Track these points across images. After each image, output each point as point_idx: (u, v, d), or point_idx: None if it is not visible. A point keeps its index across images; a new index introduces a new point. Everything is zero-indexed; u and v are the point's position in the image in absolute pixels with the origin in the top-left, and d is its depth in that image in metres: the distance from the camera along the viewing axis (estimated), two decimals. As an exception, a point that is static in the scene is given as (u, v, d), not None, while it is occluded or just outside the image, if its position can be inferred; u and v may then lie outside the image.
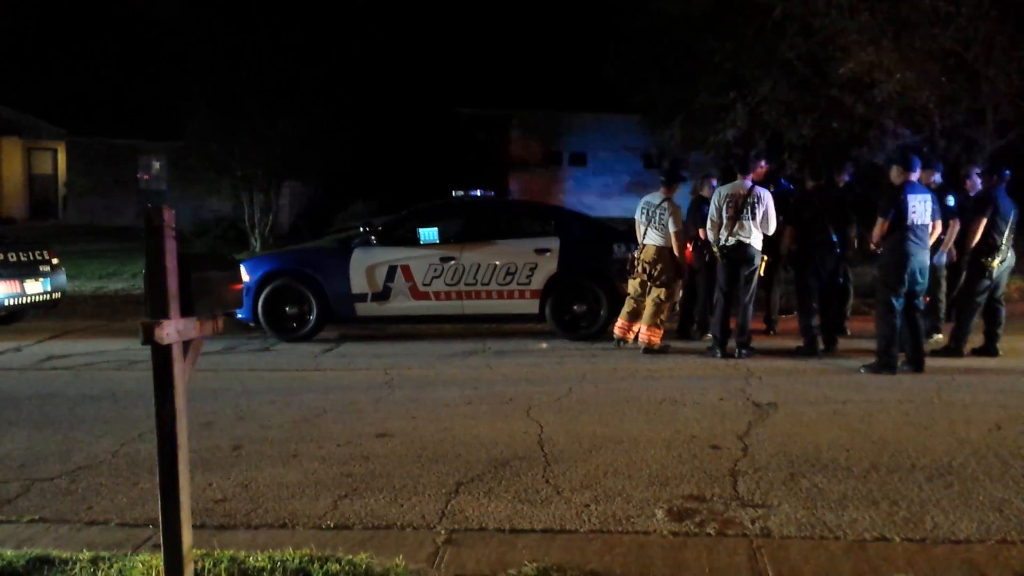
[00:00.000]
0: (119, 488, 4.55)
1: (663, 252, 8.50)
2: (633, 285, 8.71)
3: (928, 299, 8.25)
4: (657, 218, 8.53)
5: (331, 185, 23.99)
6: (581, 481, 4.57)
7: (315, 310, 9.46)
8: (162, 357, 2.91)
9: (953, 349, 8.26)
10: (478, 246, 9.50)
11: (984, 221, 8.07)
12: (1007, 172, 8.33)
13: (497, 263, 9.41)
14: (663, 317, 8.61)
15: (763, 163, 8.70)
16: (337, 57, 19.56)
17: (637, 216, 8.77)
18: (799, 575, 3.44)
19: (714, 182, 9.34)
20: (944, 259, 8.59)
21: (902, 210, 7.38)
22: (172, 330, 2.87)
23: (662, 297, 8.51)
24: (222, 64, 18.46)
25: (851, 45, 13.09)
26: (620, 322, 8.79)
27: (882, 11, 13.15)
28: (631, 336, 8.73)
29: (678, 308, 9.20)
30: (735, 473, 4.67)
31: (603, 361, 8.21)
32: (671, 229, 8.43)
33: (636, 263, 8.65)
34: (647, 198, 8.79)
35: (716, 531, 3.88)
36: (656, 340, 8.56)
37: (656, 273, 8.50)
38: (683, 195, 9.02)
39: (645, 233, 8.63)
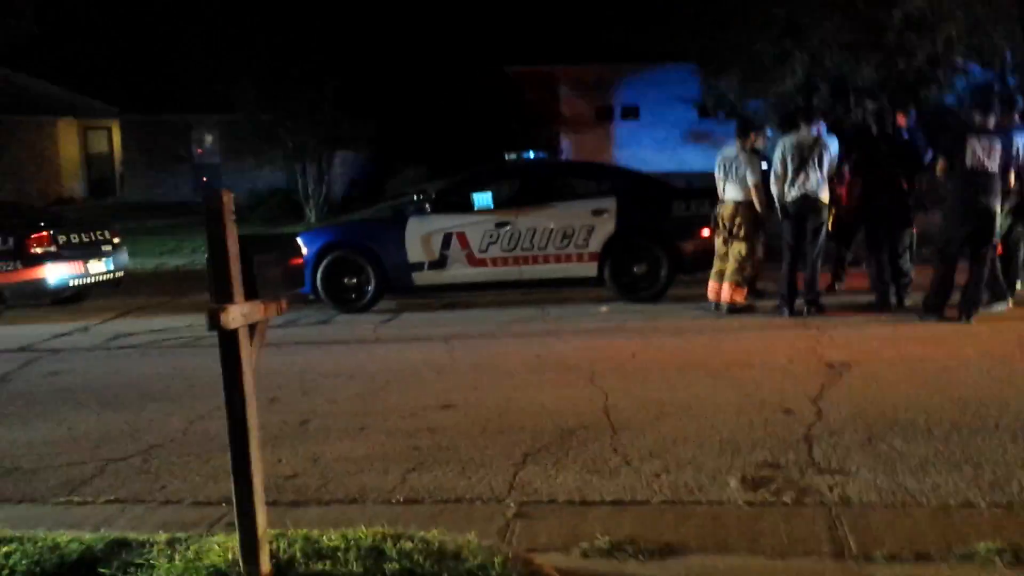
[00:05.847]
0: (191, 466, 4.61)
1: (742, 207, 8.20)
2: (718, 243, 8.47)
3: (1002, 250, 7.85)
4: (735, 171, 8.23)
5: (382, 152, 23.98)
6: (650, 450, 4.49)
7: (373, 281, 9.43)
8: (229, 342, 2.89)
9: None
10: (533, 210, 9.36)
11: None
12: None
13: (553, 226, 9.26)
14: (747, 274, 8.34)
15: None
16: (382, 20, 19.43)
17: (716, 171, 8.48)
18: (882, 544, 3.31)
19: (770, 132, 9.02)
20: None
21: (960, 154, 7.14)
22: (237, 314, 2.84)
23: (743, 253, 8.21)
24: (268, 33, 18.47)
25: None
26: (710, 284, 8.52)
27: None
28: (723, 297, 8.43)
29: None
30: (809, 438, 4.54)
31: (665, 323, 8.06)
32: (750, 181, 8.14)
33: (718, 220, 8.40)
34: (724, 152, 8.48)
35: (793, 500, 3.77)
36: (740, 299, 8.30)
37: (736, 228, 8.24)
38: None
39: (724, 188, 8.36)
